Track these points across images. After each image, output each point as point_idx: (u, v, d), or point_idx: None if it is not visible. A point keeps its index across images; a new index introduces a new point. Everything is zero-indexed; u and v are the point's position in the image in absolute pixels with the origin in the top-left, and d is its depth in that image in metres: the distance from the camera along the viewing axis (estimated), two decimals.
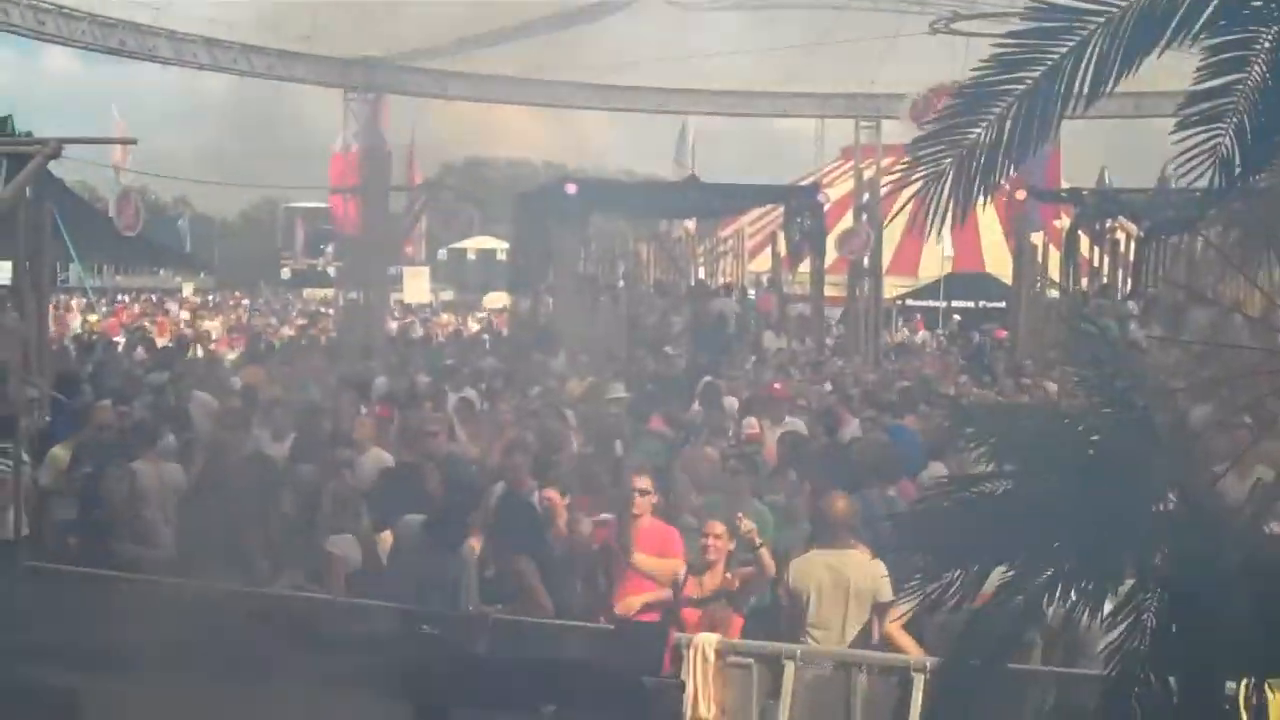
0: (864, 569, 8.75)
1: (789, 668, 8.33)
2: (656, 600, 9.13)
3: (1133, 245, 28.69)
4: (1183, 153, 5.05)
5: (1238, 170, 5.04)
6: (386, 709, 8.48)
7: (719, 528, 9.16)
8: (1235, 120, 5.02)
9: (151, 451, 11.92)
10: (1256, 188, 5.26)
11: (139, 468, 11.49)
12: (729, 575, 9.13)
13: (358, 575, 9.92)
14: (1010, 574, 5.14)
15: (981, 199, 5.46)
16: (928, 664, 7.89)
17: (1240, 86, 5.01)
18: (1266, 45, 4.98)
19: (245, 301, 45.44)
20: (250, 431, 13.21)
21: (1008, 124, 5.20)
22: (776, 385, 16.50)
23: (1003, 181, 5.61)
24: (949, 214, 5.33)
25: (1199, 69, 5.06)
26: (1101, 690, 5.47)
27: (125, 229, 23.72)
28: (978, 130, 5.24)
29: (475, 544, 9.58)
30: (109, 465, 11.56)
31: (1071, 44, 5.08)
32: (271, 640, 8.92)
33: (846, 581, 8.77)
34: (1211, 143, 5.03)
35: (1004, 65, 5.23)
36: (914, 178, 5.35)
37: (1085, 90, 5.10)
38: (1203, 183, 5.11)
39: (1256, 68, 4.99)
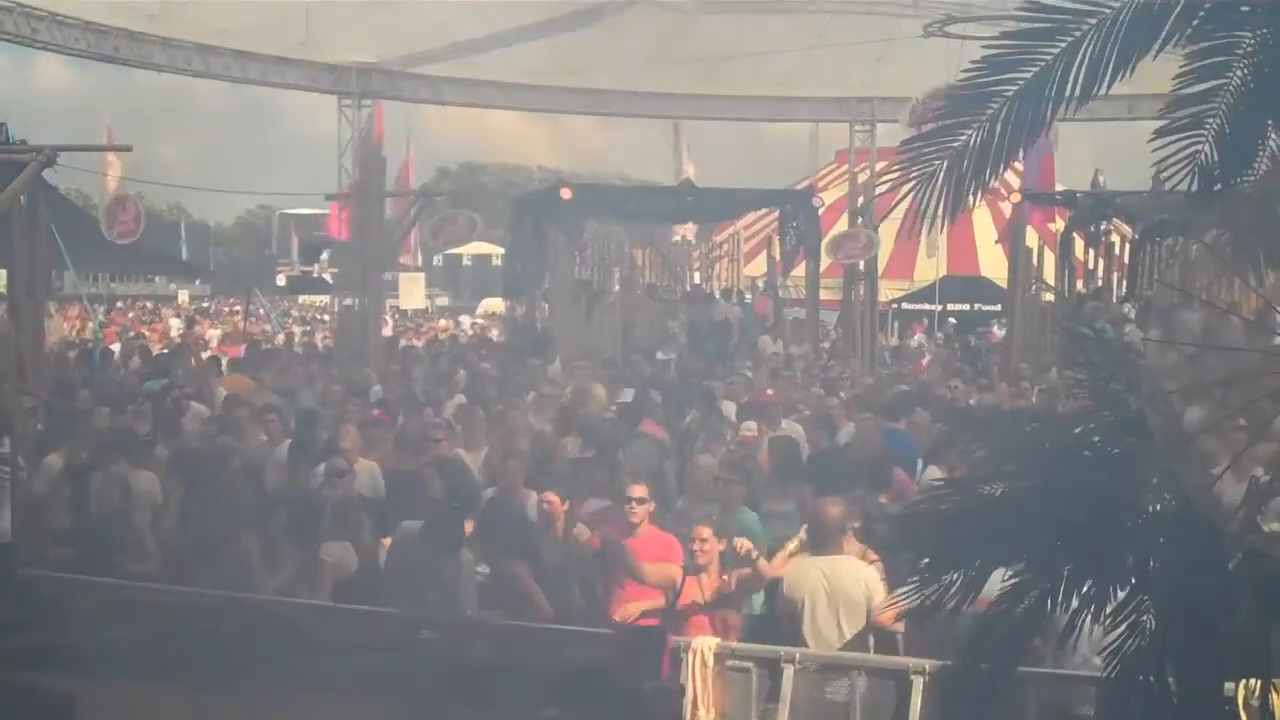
0: (858, 574, 8.76)
1: (788, 671, 8.33)
2: (655, 607, 9.13)
3: (1127, 248, 28.72)
4: (1163, 159, 5.07)
5: (1216, 174, 5.05)
6: (385, 714, 8.48)
7: (705, 531, 9.18)
8: (1215, 126, 5.03)
9: (124, 460, 11.92)
10: (1240, 192, 5.26)
11: (113, 474, 11.53)
12: (725, 577, 9.14)
13: (356, 580, 9.93)
14: (1013, 579, 5.15)
15: (973, 201, 5.47)
16: (926, 666, 7.90)
17: (1221, 92, 5.02)
18: (1248, 49, 4.99)
19: (238, 308, 45.41)
20: (242, 440, 13.19)
21: (998, 126, 5.21)
22: (769, 391, 16.51)
23: (995, 184, 5.62)
24: (940, 216, 5.35)
25: (1178, 75, 5.07)
26: (1101, 691, 5.48)
27: (119, 237, 23.58)
28: (968, 133, 5.25)
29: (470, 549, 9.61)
30: (95, 473, 11.60)
31: (1063, 46, 5.09)
32: (268, 646, 8.91)
33: (841, 587, 8.78)
34: (1191, 149, 5.04)
35: (994, 67, 5.24)
36: (905, 180, 5.35)
37: (1077, 92, 5.11)
38: (1183, 188, 5.13)
39: (1238, 72, 4.99)
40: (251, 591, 9.77)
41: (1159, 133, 5.06)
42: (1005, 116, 5.18)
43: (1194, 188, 5.07)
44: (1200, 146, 5.03)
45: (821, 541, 9.07)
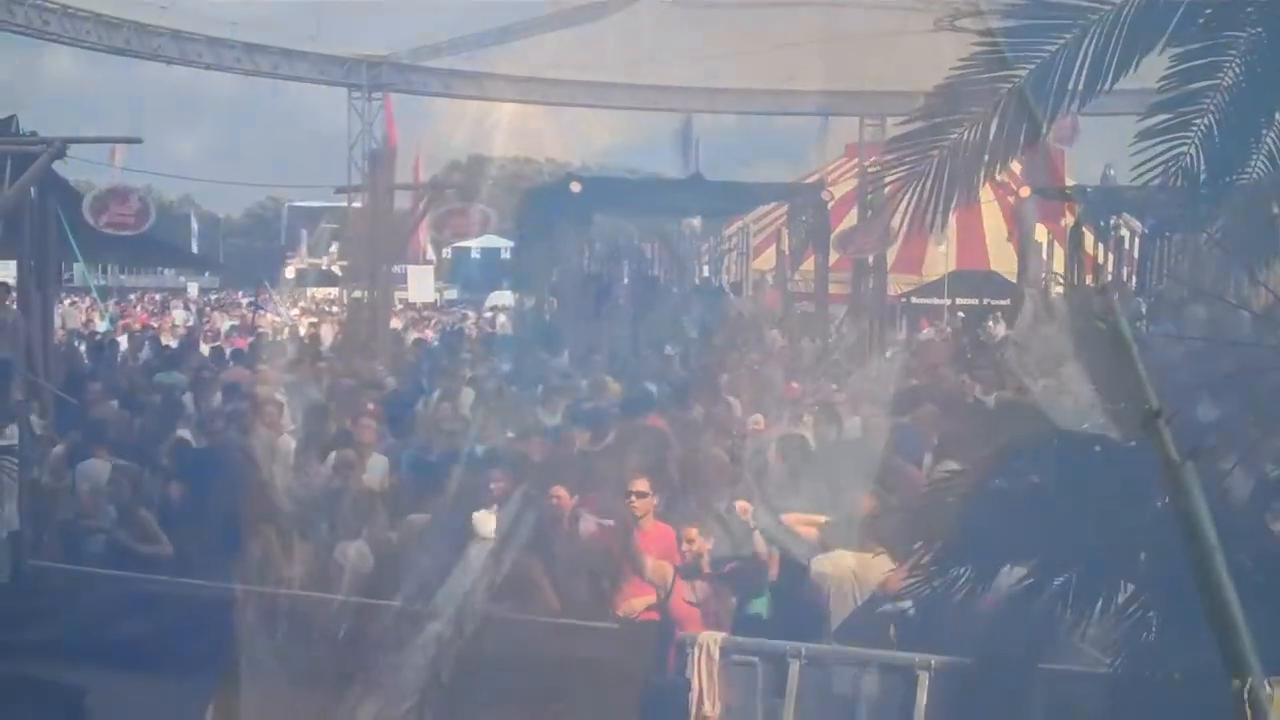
0: (881, 570, 8.74)
1: (793, 666, 8.32)
2: (657, 602, 9.14)
3: (1137, 242, 28.65)
4: (1144, 162, 5.03)
5: (1203, 174, 5.02)
6: (392, 706, 8.48)
7: (693, 532, 9.24)
8: (1203, 126, 4.99)
9: (104, 449, 11.99)
10: (1234, 190, 5.22)
11: (92, 465, 11.59)
12: (725, 568, 9.20)
13: (373, 574, 9.94)
14: (1027, 578, 5.13)
15: (965, 200, 5.42)
16: (932, 662, 7.88)
17: (1211, 93, 4.98)
18: (1244, 48, 4.95)
19: (248, 300, 45.38)
20: (245, 434, 13.19)
21: (994, 123, 5.16)
22: (794, 385, 16.50)
23: (999, 178, 5.58)
24: (937, 212, 5.31)
25: (1163, 77, 5.04)
26: (1106, 687, 5.46)
27: (108, 226, 23.43)
28: (959, 130, 5.20)
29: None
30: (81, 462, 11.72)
31: (1061, 43, 5.05)
32: (278, 639, 8.92)
33: (867, 583, 8.78)
34: (1175, 150, 5.01)
35: (989, 64, 5.19)
36: (897, 177, 5.31)
37: (1080, 87, 5.07)
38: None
39: (1230, 71, 4.95)
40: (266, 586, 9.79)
41: (1141, 135, 5.03)
42: (1002, 113, 5.14)
43: (1178, 187, 5.04)
44: (1185, 148, 5.00)
45: (851, 535, 9.11)
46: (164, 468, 12.37)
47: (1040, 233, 27.39)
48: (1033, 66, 5.10)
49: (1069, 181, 30.85)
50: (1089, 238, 28.15)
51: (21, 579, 10.32)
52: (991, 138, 5.18)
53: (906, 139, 5.42)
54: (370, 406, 14.50)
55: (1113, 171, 30.49)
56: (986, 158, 5.20)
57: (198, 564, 10.12)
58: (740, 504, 9.44)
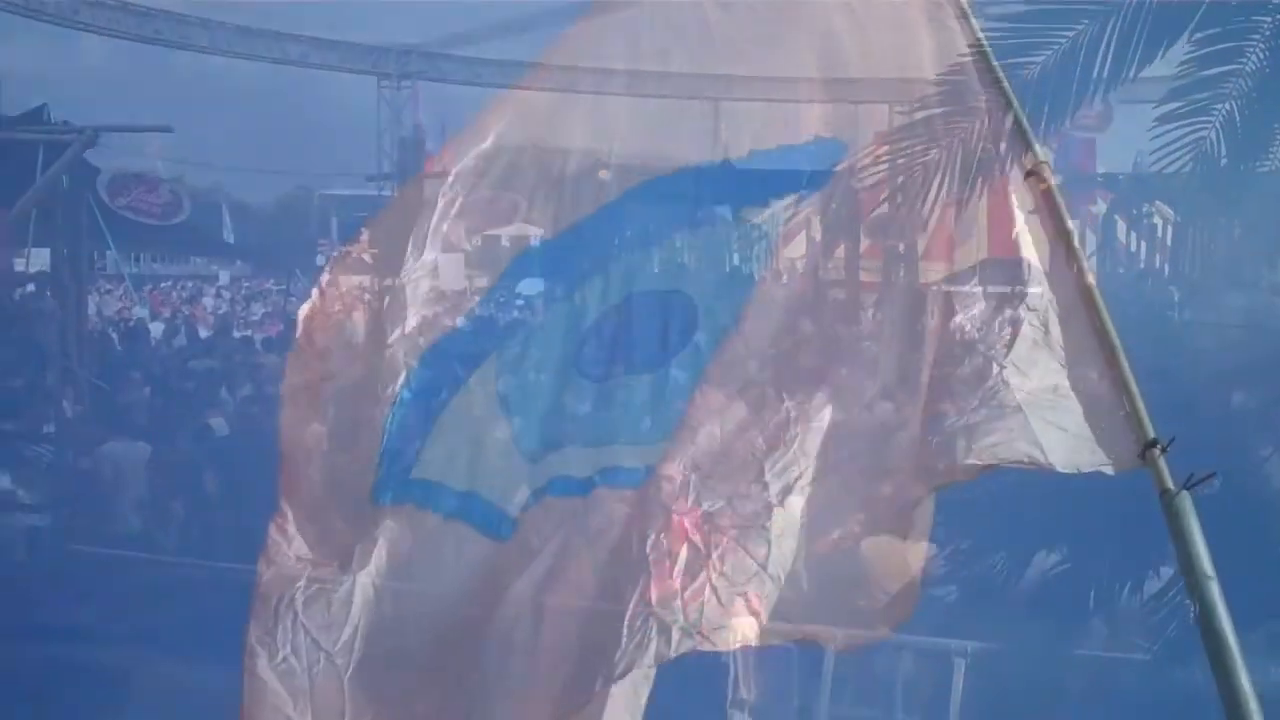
0: (917, 556, 8.70)
1: (829, 650, 8.31)
2: (686, 586, 9.14)
3: (1170, 230, 28.47)
4: (1164, 146, 4.99)
5: (1224, 160, 4.99)
6: (419, 693, 8.50)
7: (725, 516, 9.21)
8: (1224, 111, 4.95)
9: (123, 433, 12.09)
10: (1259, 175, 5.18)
11: (112, 447, 11.67)
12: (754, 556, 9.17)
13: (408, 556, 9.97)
14: (1062, 564, 5.13)
15: (989, 187, 5.35)
16: (969, 648, 7.86)
17: (1233, 78, 4.95)
18: (1267, 33, 4.92)
19: (277, 288, 45.41)
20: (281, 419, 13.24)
21: (1012, 111, 5.07)
22: (826, 372, 16.46)
23: (1026, 166, 5.50)
24: (950, 202, 5.23)
25: (1183, 63, 5.00)
26: (1142, 674, 5.45)
27: (125, 209, 23.38)
28: (968, 120, 5.13)
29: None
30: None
31: (1075, 32, 5.01)
32: (310, 622, 8.93)
33: (905, 569, 8.74)
34: (1196, 135, 4.97)
35: (1000, 51, 5.11)
36: (917, 165, 5.23)
37: (1104, 75, 5.04)
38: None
39: (1253, 57, 4.92)
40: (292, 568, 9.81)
41: (1160, 120, 5.00)
42: (1022, 99, 5.07)
43: (1205, 173, 5.00)
44: (1206, 133, 4.97)
45: (887, 522, 9.08)
46: (192, 452, 12.45)
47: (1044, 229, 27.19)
48: (1051, 53, 5.06)
49: (1100, 169, 30.66)
50: (1121, 225, 28.01)
51: (58, 563, 10.38)
52: (1010, 125, 5.14)
53: (913, 129, 5.36)
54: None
55: (1143, 159, 30.28)
56: (1005, 145, 5.15)
57: (230, 547, 10.18)
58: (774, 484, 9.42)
